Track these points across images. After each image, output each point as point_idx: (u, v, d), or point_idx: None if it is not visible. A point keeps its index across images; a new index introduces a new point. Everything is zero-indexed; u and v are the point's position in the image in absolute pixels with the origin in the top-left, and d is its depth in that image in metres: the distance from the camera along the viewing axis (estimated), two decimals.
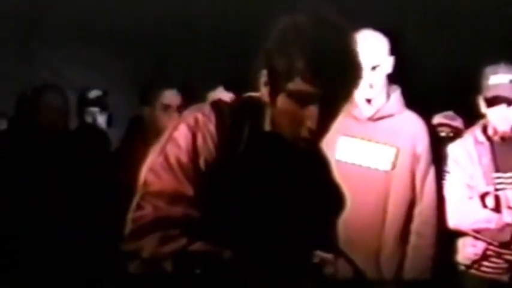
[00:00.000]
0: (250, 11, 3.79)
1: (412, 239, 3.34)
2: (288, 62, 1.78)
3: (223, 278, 1.74)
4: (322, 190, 1.97)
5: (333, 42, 1.76)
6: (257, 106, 1.89)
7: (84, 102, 4.43)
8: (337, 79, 1.77)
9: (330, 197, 2.01)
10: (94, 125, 4.37)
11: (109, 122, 4.41)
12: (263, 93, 1.87)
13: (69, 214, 3.71)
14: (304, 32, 1.78)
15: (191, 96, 3.19)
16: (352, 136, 3.31)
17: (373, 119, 3.37)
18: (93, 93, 4.49)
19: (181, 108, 3.69)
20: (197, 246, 1.74)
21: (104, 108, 4.47)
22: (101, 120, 4.39)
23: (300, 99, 1.79)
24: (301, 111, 1.80)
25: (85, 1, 4.36)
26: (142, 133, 3.64)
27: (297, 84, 1.78)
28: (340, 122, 3.36)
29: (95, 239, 3.52)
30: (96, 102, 4.48)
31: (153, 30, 4.37)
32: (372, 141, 3.32)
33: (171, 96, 3.82)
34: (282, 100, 1.82)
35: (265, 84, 1.86)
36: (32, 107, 3.96)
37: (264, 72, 1.85)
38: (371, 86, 3.28)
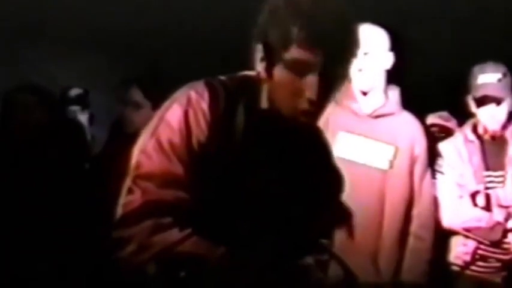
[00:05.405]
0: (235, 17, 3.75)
1: (411, 241, 3.26)
2: (282, 32, 1.70)
3: (210, 282, 1.67)
4: (320, 171, 1.91)
5: (327, 9, 1.70)
6: (253, 84, 1.82)
7: (65, 101, 4.38)
8: (334, 45, 1.68)
9: (328, 178, 1.95)
10: (73, 122, 4.29)
11: (91, 120, 4.37)
12: (259, 69, 1.80)
13: (48, 213, 3.64)
14: (297, 1, 1.71)
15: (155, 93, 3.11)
16: (352, 132, 3.21)
17: (373, 115, 3.28)
18: (74, 92, 4.46)
19: (138, 105, 3.53)
20: (188, 245, 1.66)
21: (84, 107, 4.43)
22: (83, 118, 4.34)
23: (297, 68, 1.71)
24: (299, 82, 1.71)
25: (73, 1, 4.32)
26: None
27: (293, 53, 1.70)
28: (339, 116, 3.29)
29: (78, 235, 3.49)
30: (76, 100, 4.43)
31: (142, 31, 4.34)
32: (371, 138, 3.23)
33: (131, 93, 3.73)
34: (278, 73, 1.74)
35: (261, 59, 1.78)
36: (7, 106, 3.88)
37: (259, 47, 1.78)
38: (360, 70, 3.18)
